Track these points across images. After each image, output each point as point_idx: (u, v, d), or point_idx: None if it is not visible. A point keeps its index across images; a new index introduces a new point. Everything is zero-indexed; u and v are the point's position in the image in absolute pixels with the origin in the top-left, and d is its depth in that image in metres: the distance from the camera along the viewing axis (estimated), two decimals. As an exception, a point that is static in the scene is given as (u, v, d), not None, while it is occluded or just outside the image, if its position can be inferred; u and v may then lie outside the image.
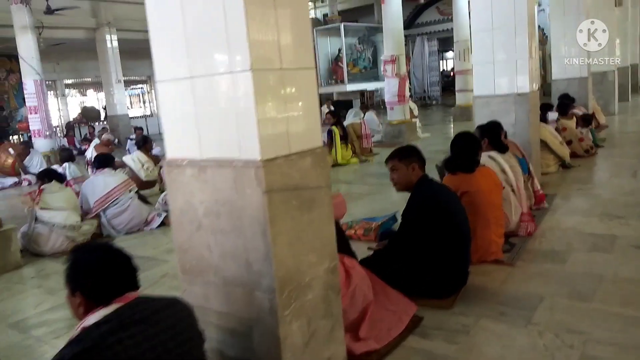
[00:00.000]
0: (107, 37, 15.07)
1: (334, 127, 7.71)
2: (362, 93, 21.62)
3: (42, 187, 4.57)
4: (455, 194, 2.97)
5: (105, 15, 14.93)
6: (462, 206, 2.90)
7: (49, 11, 10.49)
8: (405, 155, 2.86)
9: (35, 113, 10.61)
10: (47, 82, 17.82)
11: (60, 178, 4.79)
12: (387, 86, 10.12)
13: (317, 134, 2.01)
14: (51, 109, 18.42)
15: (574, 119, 6.96)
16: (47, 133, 10.76)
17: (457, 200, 2.88)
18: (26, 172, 9.18)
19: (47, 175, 4.70)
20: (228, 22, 1.72)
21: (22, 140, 13.12)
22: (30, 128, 10.95)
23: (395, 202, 4.60)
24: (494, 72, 5.00)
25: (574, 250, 3.32)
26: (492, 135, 3.94)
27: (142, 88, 21.91)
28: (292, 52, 1.87)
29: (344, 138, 7.75)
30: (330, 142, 7.74)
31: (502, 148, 3.89)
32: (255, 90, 1.71)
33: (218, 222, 1.89)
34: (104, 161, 4.99)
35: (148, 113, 21.55)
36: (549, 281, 2.86)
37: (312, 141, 1.97)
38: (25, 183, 8.78)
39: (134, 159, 6.55)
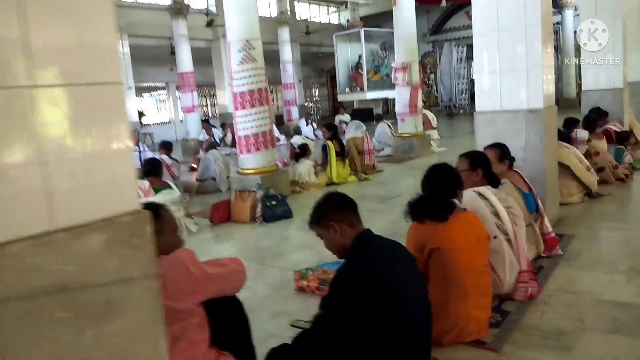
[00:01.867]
0: (119, 43, 14.70)
1: (329, 142, 6.92)
2: (385, 102, 20.77)
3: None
4: (411, 259, 2.13)
5: (117, 21, 14.57)
6: (419, 278, 2.07)
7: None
8: (321, 216, 2.08)
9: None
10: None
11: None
12: (398, 96, 9.28)
13: (128, 189, 1.24)
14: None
15: (604, 138, 5.98)
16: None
17: (407, 272, 2.03)
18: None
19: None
20: None
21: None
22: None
23: (389, 234, 3.77)
24: (500, 83, 4.12)
25: (586, 329, 2.43)
26: (488, 165, 3.09)
27: (163, 94, 21.61)
28: (62, 59, 1.11)
29: (341, 154, 6.94)
30: (325, 158, 6.96)
31: (494, 181, 3.03)
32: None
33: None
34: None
35: (166, 120, 21.28)
36: (543, 388, 2.00)
37: (115, 203, 1.20)
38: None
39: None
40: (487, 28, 4.07)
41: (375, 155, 9.71)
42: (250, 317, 2.01)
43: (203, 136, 12.46)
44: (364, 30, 17.30)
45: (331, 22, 22.65)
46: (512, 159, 3.53)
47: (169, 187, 4.78)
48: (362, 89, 17.48)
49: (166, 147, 6.93)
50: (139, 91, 19.89)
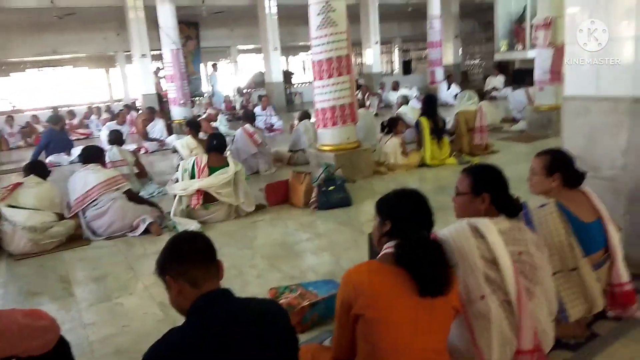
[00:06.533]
0: (266, 2, 14.95)
1: (422, 118, 6.00)
2: (555, 60, 17.85)
3: (22, 181, 4.28)
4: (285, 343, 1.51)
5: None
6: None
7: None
8: (158, 265, 1.55)
9: (172, 82, 11.02)
10: (220, 49, 19.05)
11: (43, 172, 4.43)
12: (538, 59, 7.71)
13: None
14: (224, 75, 19.72)
15: None
16: (182, 101, 11.12)
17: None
18: (146, 139, 9.52)
19: (30, 169, 4.39)
20: None
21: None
22: (168, 96, 11.47)
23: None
24: (599, 56, 2.92)
25: None
26: (499, 185, 2.17)
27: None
28: None
29: (437, 132, 5.98)
30: (419, 137, 6.09)
31: (511, 210, 2.10)
32: None
33: None
34: (90, 155, 4.48)
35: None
36: None
37: None
38: (142, 151, 8.93)
39: (183, 144, 6.02)
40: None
41: (505, 130, 8.39)
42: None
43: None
44: (531, -23, 14.81)
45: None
46: (576, 175, 2.45)
47: (227, 165, 4.56)
48: (524, 46, 15.20)
49: (248, 116, 6.82)
50: (291, 51, 20.31)
